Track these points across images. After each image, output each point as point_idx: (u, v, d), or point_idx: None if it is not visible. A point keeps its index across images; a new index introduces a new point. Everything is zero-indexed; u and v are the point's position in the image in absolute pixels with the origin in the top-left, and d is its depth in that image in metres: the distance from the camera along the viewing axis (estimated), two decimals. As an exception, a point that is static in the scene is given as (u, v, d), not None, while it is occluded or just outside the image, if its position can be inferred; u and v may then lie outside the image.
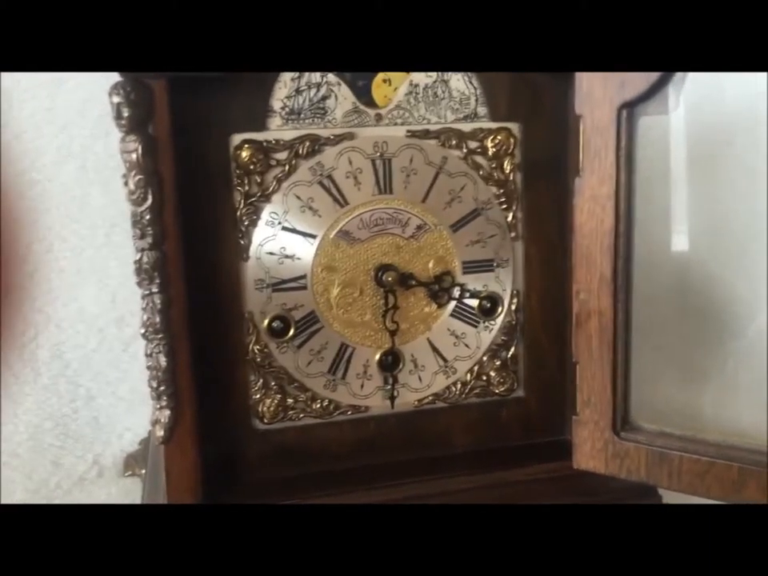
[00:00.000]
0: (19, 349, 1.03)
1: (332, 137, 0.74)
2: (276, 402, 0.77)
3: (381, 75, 0.74)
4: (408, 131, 0.76)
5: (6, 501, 1.01)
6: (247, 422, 0.77)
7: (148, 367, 0.68)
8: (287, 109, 0.73)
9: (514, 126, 0.78)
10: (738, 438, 0.64)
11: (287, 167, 0.74)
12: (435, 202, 0.77)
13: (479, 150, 0.78)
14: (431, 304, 0.79)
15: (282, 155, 0.73)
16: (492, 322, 0.81)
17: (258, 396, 0.77)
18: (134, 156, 0.63)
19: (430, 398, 0.81)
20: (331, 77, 0.74)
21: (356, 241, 0.76)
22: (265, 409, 0.77)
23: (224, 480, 0.75)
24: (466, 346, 0.81)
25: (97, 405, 1.06)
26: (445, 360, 0.81)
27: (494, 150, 0.78)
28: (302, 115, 0.74)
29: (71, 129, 0.99)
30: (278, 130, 0.73)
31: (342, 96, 0.74)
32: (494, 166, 0.78)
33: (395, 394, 0.79)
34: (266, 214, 0.74)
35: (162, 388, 0.68)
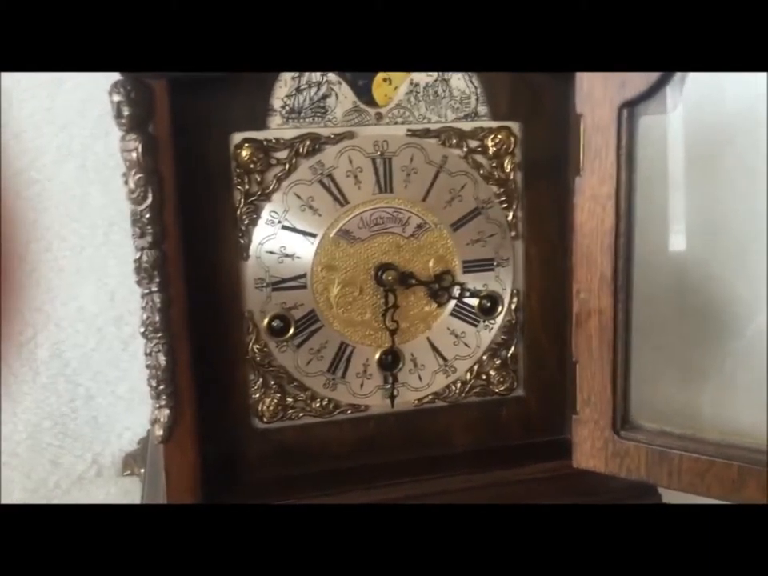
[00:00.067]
0: (18, 348, 1.02)
1: (332, 136, 0.74)
2: (276, 401, 0.77)
3: (381, 74, 0.74)
4: (408, 130, 0.76)
5: (4, 500, 1.01)
6: (247, 421, 0.77)
7: (147, 366, 0.68)
8: (287, 107, 0.73)
9: (515, 125, 0.78)
10: (738, 437, 0.64)
11: (287, 166, 0.74)
12: (435, 201, 0.77)
13: (479, 149, 0.78)
14: (431, 303, 0.79)
15: (283, 154, 0.73)
16: (492, 321, 0.81)
17: (257, 395, 0.77)
18: (134, 155, 0.63)
19: (430, 397, 0.81)
20: (332, 76, 0.73)
21: (356, 240, 0.76)
22: (264, 408, 0.77)
23: (224, 479, 0.75)
24: (466, 345, 0.81)
25: (96, 404, 1.06)
26: (445, 359, 0.81)
27: (495, 149, 0.78)
28: (303, 114, 0.74)
29: (71, 128, 0.99)
30: (278, 129, 0.73)
31: (342, 95, 0.74)
32: (494, 165, 0.78)
33: (395, 393, 0.79)
34: (266, 213, 0.74)
35: (161, 387, 0.68)
